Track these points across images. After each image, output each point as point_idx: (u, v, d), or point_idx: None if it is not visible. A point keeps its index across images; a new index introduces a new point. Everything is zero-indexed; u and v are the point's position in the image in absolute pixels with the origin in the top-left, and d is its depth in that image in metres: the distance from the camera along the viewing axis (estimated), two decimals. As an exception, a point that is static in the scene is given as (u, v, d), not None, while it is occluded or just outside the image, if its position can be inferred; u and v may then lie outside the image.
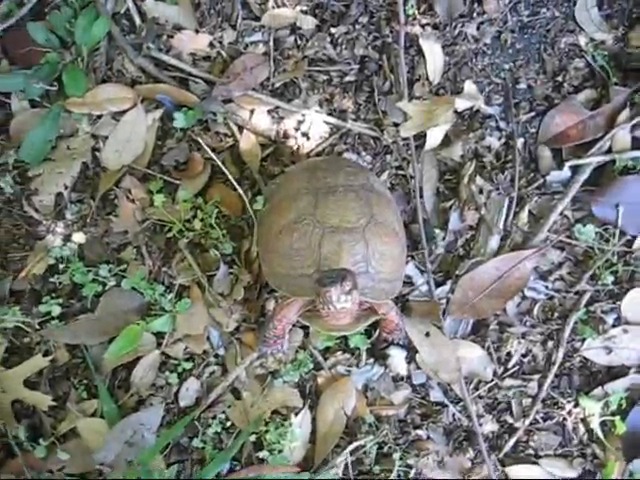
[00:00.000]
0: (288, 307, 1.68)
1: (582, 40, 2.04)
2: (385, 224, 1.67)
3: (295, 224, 1.65)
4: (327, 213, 1.65)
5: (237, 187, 1.88)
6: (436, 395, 1.83)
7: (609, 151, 1.94)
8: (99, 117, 2.00)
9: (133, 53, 2.01)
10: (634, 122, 1.94)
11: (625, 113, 1.95)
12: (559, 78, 2.02)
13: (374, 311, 1.70)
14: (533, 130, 2.00)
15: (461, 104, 1.95)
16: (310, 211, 1.66)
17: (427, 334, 1.81)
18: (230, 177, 1.88)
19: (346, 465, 1.76)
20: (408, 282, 1.88)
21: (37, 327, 1.85)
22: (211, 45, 2.04)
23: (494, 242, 1.89)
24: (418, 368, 1.83)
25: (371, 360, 1.84)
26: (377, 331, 1.83)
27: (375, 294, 1.64)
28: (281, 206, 1.71)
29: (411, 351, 1.82)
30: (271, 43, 2.04)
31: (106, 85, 2.00)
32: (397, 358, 1.82)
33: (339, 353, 1.83)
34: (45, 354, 1.83)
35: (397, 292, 1.71)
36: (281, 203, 1.72)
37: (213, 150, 1.97)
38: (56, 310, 1.85)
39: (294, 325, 1.82)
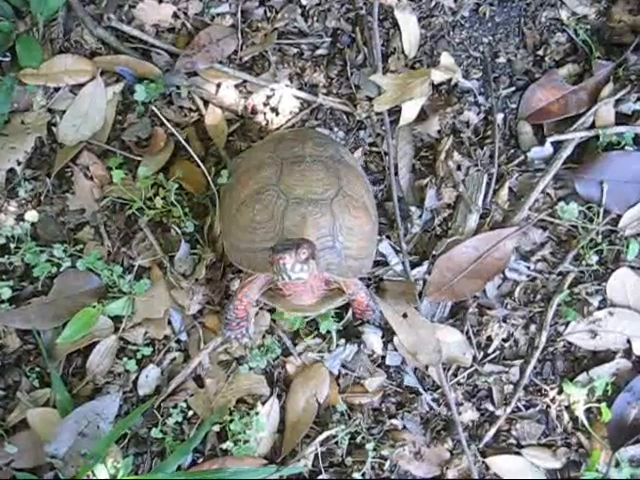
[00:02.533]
0: (249, 285, 1.55)
1: (564, 14, 1.95)
2: (354, 198, 1.56)
3: (258, 195, 1.54)
4: (292, 183, 1.53)
5: (200, 163, 1.76)
6: (412, 381, 1.71)
7: (592, 126, 1.85)
8: (56, 90, 1.88)
9: (92, 23, 1.89)
10: (618, 96, 1.85)
11: (608, 87, 1.86)
12: (540, 52, 1.92)
13: (341, 292, 1.58)
14: (513, 105, 1.89)
15: (438, 76, 1.83)
16: (274, 181, 1.54)
17: (404, 315, 1.69)
18: (192, 153, 1.76)
19: (316, 456, 1.63)
20: (383, 262, 1.76)
21: (-15, 311, 1.71)
22: (175, 16, 1.92)
23: (473, 221, 1.77)
24: (394, 350, 1.70)
25: (342, 341, 1.71)
26: (349, 312, 1.70)
27: (341, 270, 1.51)
28: (244, 177, 1.60)
29: (387, 332, 1.70)
30: (239, 15, 1.92)
31: (63, 56, 1.88)
32: (372, 336, 1.70)
33: (309, 338, 1.70)
34: (-6, 340, 1.70)
35: (366, 271, 1.59)
36: (244, 174, 1.61)
37: (177, 125, 1.86)
38: (6, 293, 1.71)
39: (261, 308, 1.70)
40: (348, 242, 1.52)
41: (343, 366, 1.70)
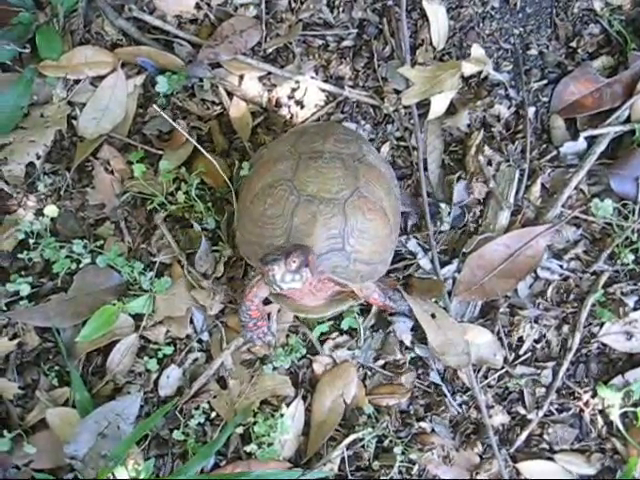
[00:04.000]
0: (259, 284, 1.49)
1: (597, 4, 1.87)
2: (371, 199, 1.48)
3: (270, 189, 1.48)
4: (306, 180, 1.46)
5: (211, 160, 1.68)
6: (438, 380, 1.64)
7: (628, 121, 1.77)
8: (76, 82, 1.83)
9: (113, 14, 1.83)
10: (654, 89, 1.76)
11: (645, 80, 1.77)
12: (573, 44, 1.84)
13: (353, 295, 1.52)
14: (545, 99, 1.82)
15: (468, 69, 1.76)
16: (288, 176, 1.48)
17: (433, 315, 1.62)
18: (196, 149, 1.69)
19: (342, 460, 1.57)
20: (410, 259, 1.69)
21: (4, 308, 1.66)
22: (198, 7, 1.86)
23: (504, 218, 1.70)
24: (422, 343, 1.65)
25: (369, 333, 1.65)
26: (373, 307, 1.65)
27: (348, 275, 1.45)
28: (262, 169, 1.54)
29: (419, 328, 1.64)
30: (263, 5, 1.86)
31: (84, 48, 1.82)
32: (402, 325, 1.64)
33: (335, 334, 1.64)
34: (13, 337, 1.65)
35: (377, 277, 1.52)
36: (262, 166, 1.55)
37: (199, 118, 1.80)
38: (25, 289, 1.66)
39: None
40: (359, 245, 1.46)
41: (374, 359, 1.64)
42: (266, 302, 1.60)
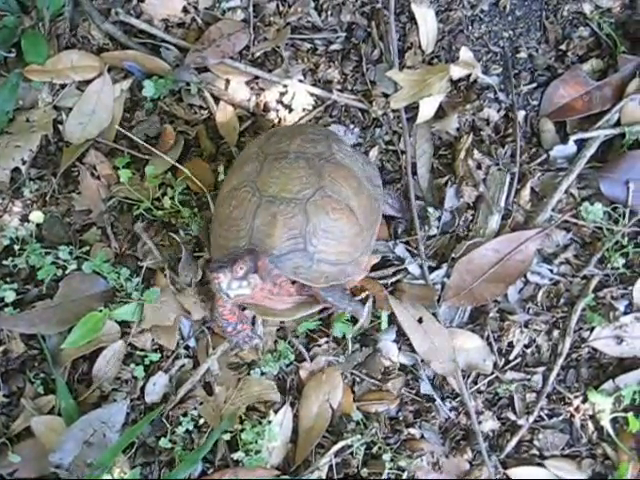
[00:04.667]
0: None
1: (587, 7, 1.85)
2: (335, 198, 1.46)
3: (235, 191, 1.47)
4: (269, 181, 1.45)
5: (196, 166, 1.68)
6: (429, 389, 1.62)
7: (618, 124, 1.75)
8: (62, 87, 1.81)
9: (100, 18, 1.82)
10: (644, 92, 1.75)
11: (635, 83, 1.76)
12: (562, 47, 1.83)
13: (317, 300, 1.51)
14: (535, 102, 1.80)
15: (457, 72, 1.75)
16: (252, 177, 1.47)
17: (420, 320, 1.61)
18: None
19: (330, 467, 1.55)
20: (399, 265, 1.67)
21: (-11, 315, 1.63)
22: (185, 10, 1.85)
23: (494, 222, 1.68)
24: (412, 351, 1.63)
25: (357, 346, 1.63)
26: (363, 317, 1.60)
27: (311, 275, 1.43)
28: (231, 172, 1.55)
29: (402, 338, 1.62)
30: (251, 9, 1.84)
31: (70, 52, 1.81)
32: (388, 343, 1.62)
33: (323, 341, 1.62)
34: (-3, 345, 1.63)
35: (345, 279, 1.49)
36: (232, 169, 1.56)
37: (186, 123, 1.79)
38: (10, 296, 1.64)
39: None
40: (323, 246, 1.44)
41: (358, 371, 1.62)
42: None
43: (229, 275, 1.31)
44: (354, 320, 1.61)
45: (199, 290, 1.62)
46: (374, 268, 1.65)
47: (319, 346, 1.62)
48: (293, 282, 1.48)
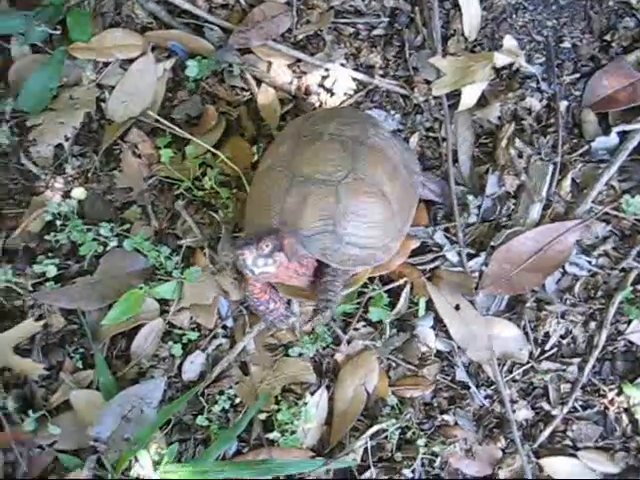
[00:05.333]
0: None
1: (632, -3, 1.82)
2: (368, 182, 1.44)
3: (269, 171, 1.47)
4: (302, 161, 1.44)
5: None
6: (464, 376, 1.61)
7: (661, 116, 1.72)
8: (105, 65, 1.81)
9: (144, -3, 1.81)
10: (690, 85, 1.72)
11: (680, 76, 1.73)
12: (607, 37, 1.79)
13: (353, 280, 1.51)
14: (577, 93, 1.77)
15: (501, 60, 1.72)
16: (286, 158, 1.46)
17: (457, 307, 1.60)
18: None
19: (365, 450, 1.54)
20: (437, 251, 1.66)
21: (30, 289, 1.64)
22: (229, -9, 1.83)
23: (535, 212, 1.66)
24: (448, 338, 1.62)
25: (395, 331, 1.62)
26: (401, 301, 1.62)
27: (337, 257, 1.42)
28: (267, 152, 1.55)
29: (440, 325, 1.62)
30: (294, -9, 1.82)
31: (114, 30, 1.80)
32: (425, 329, 1.61)
33: (360, 325, 1.62)
34: (38, 318, 1.63)
35: (375, 263, 1.48)
36: (267, 150, 1.55)
37: (228, 104, 1.78)
38: (52, 271, 1.64)
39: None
40: (353, 228, 1.43)
41: (394, 356, 1.62)
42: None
43: (254, 252, 1.31)
44: (392, 305, 1.61)
45: (237, 270, 1.62)
46: (412, 254, 1.64)
47: (356, 330, 1.62)
48: (320, 263, 1.48)
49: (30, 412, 1.54)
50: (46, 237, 1.67)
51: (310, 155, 1.44)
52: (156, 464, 1.51)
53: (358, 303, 1.62)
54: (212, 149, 1.66)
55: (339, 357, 1.61)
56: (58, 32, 1.78)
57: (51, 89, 1.75)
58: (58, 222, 1.67)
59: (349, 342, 1.61)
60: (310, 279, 1.48)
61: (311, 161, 1.44)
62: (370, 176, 1.45)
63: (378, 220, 1.45)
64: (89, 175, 1.74)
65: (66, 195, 1.71)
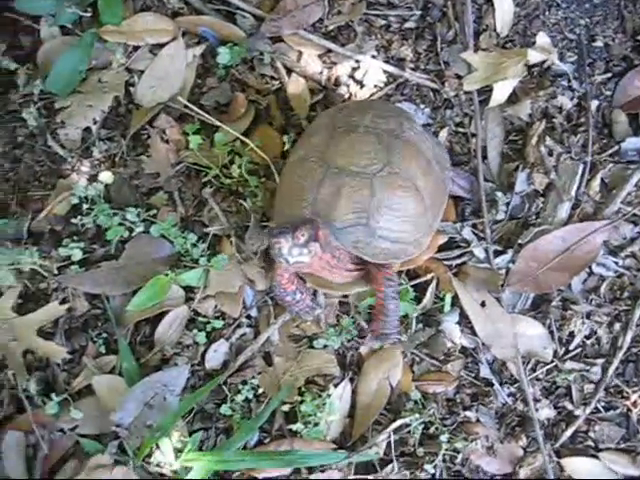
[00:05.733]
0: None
1: (667, -2, 1.80)
2: (402, 176, 1.43)
3: (302, 161, 1.46)
4: (337, 153, 1.43)
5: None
6: (488, 373, 1.60)
7: (692, 119, 1.70)
8: (135, 49, 1.78)
9: (175, -18, 1.79)
10: None
11: None
12: (640, 38, 1.78)
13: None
14: (608, 92, 1.76)
15: (534, 57, 1.71)
16: (320, 148, 1.45)
17: (482, 304, 1.59)
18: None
19: (388, 444, 1.53)
20: (465, 247, 1.65)
21: (55, 272, 1.62)
22: (260, -21, 1.81)
23: (564, 211, 1.65)
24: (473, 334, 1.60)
25: (420, 325, 1.61)
26: (427, 295, 1.61)
27: (370, 251, 1.41)
28: (299, 142, 1.54)
29: (465, 321, 1.60)
30: (326, -19, 1.80)
31: (145, 14, 1.78)
32: (451, 325, 1.60)
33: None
34: (62, 302, 1.62)
35: (406, 257, 1.47)
36: (299, 140, 1.54)
37: (257, 92, 1.76)
38: (77, 254, 1.62)
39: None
40: (386, 222, 1.41)
41: (419, 351, 1.60)
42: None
43: (290, 241, 1.29)
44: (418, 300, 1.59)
45: (264, 259, 1.61)
46: (439, 249, 1.62)
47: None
48: (352, 256, 1.46)
49: (53, 395, 1.53)
50: (72, 220, 1.65)
51: (345, 147, 1.43)
52: (177, 452, 1.50)
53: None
54: (242, 137, 1.64)
55: (363, 350, 1.60)
56: (88, 14, 1.75)
57: (80, 71, 1.73)
58: (84, 206, 1.65)
59: (373, 336, 1.60)
60: (341, 272, 1.46)
61: (346, 153, 1.42)
62: (404, 170, 1.44)
63: (411, 215, 1.44)
64: (116, 159, 1.72)
65: (92, 179, 1.69)
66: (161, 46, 1.77)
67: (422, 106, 1.75)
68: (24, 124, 1.75)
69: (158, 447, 1.50)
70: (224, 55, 1.71)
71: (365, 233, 1.40)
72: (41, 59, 1.77)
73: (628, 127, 1.73)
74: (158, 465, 1.50)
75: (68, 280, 1.62)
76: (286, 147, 1.66)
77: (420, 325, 1.61)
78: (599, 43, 1.79)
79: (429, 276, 1.61)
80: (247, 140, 1.64)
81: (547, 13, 1.81)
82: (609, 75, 1.77)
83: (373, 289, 1.51)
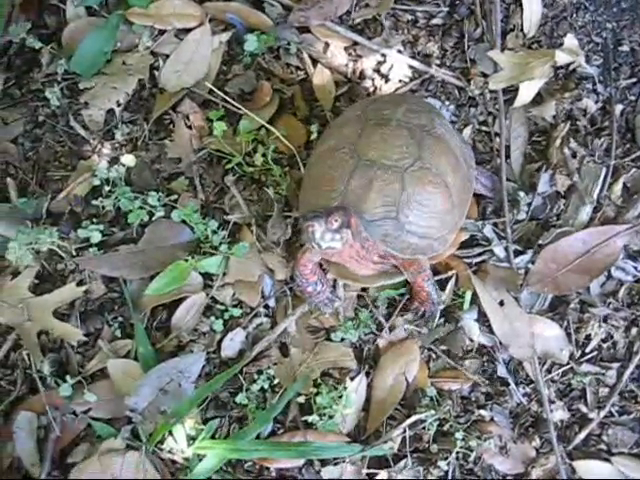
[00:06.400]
0: (310, 249, 1.43)
1: (694, 5, 1.79)
2: (433, 172, 1.42)
3: (333, 151, 1.44)
4: (368, 145, 1.42)
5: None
6: (504, 373, 1.59)
7: None
8: (161, 33, 1.76)
9: (204, -32, 1.76)
10: None
11: None
12: (666, 44, 1.77)
13: (400, 270, 1.47)
14: (632, 97, 1.75)
15: (562, 58, 1.69)
16: (352, 140, 1.43)
17: (501, 303, 1.57)
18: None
19: (402, 439, 1.51)
20: (485, 245, 1.63)
21: (73, 253, 1.60)
22: (289, -32, 1.79)
23: (585, 213, 1.64)
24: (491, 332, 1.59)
25: (441, 320, 1.59)
26: (446, 290, 1.59)
27: (398, 245, 1.40)
28: (328, 132, 1.52)
29: (484, 319, 1.58)
30: (355, -26, 1.78)
31: (173, -2, 1.75)
32: (471, 322, 1.58)
33: (405, 313, 1.59)
34: (79, 284, 1.59)
35: (431, 253, 1.46)
36: (330, 129, 1.52)
37: (282, 82, 1.74)
38: (96, 237, 1.60)
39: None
40: (414, 217, 1.40)
41: (437, 347, 1.59)
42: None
43: (324, 225, 1.28)
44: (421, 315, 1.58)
45: (286, 249, 1.59)
46: (460, 246, 1.61)
47: (402, 315, 1.58)
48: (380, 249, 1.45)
49: (67, 377, 1.51)
50: (92, 202, 1.62)
51: (377, 139, 1.42)
52: (190, 439, 1.49)
53: (402, 294, 1.59)
54: (267, 125, 1.62)
55: (381, 344, 1.58)
56: (116, -4, 1.74)
57: (105, 53, 1.71)
58: (105, 188, 1.63)
59: (391, 330, 1.58)
60: (367, 265, 1.45)
61: (378, 146, 1.41)
62: (435, 166, 1.43)
63: (439, 211, 1.43)
64: (138, 143, 1.70)
65: (113, 161, 1.67)
66: (187, 31, 1.75)
67: (447, 103, 1.74)
68: (46, 103, 1.73)
69: (171, 433, 1.48)
70: (251, 42, 1.69)
71: (394, 227, 1.39)
72: (66, 39, 1.75)
73: (651, 133, 1.72)
74: (170, 452, 1.49)
75: (86, 262, 1.59)
76: (312, 137, 1.64)
77: (440, 321, 1.59)
78: (625, 47, 1.78)
79: (449, 273, 1.60)
80: (273, 129, 1.62)
81: (575, 15, 1.80)
82: (634, 80, 1.76)
83: (410, 280, 1.50)
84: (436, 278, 1.59)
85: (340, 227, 1.29)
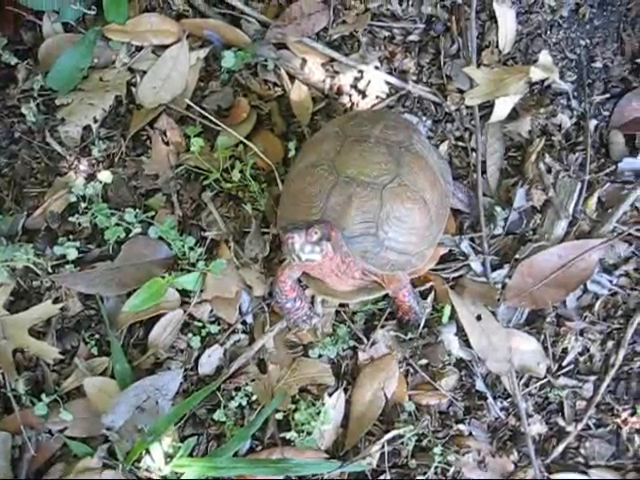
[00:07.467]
0: (291, 265, 1.42)
1: (665, 23, 1.81)
2: (412, 188, 1.42)
3: (312, 168, 1.44)
4: (348, 162, 1.42)
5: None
6: (482, 387, 1.58)
7: (688, 142, 1.71)
8: (138, 49, 1.75)
9: (181, -16, 1.76)
10: None
11: None
12: (638, 60, 1.78)
13: (380, 285, 1.46)
14: (606, 113, 1.76)
15: (537, 75, 1.69)
16: (330, 156, 1.43)
17: (478, 317, 1.57)
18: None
19: (381, 455, 1.50)
20: (462, 260, 1.63)
21: (49, 271, 1.58)
22: (266, -15, 1.79)
23: (561, 228, 1.64)
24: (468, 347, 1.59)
25: (420, 333, 1.59)
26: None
27: (377, 261, 1.40)
28: (307, 148, 1.52)
29: (461, 333, 1.58)
30: (332, -9, 1.78)
31: (150, 15, 1.75)
32: (450, 336, 1.57)
33: (385, 329, 1.58)
34: (55, 301, 1.58)
35: (410, 269, 1.46)
36: (308, 145, 1.52)
37: (260, 98, 1.73)
38: (72, 254, 1.58)
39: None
40: (394, 233, 1.40)
41: (415, 361, 1.58)
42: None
43: (303, 237, 1.27)
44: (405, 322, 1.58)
45: (263, 265, 1.58)
46: (438, 261, 1.61)
47: (382, 327, 1.58)
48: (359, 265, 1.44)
49: (43, 396, 1.48)
50: (69, 219, 1.61)
51: (356, 156, 1.42)
52: (168, 457, 1.47)
53: (380, 309, 1.59)
54: (245, 141, 1.62)
55: (359, 359, 1.57)
56: (93, 12, 1.72)
57: (82, 69, 1.70)
58: (82, 204, 1.61)
59: (371, 345, 1.57)
60: (347, 280, 1.44)
61: (357, 162, 1.41)
62: (413, 183, 1.43)
63: (418, 227, 1.43)
64: (115, 159, 1.69)
65: (90, 178, 1.66)
66: (165, 47, 1.74)
67: (423, 118, 1.74)
68: (22, 119, 1.72)
69: (148, 452, 1.46)
70: (229, 59, 1.69)
71: (373, 243, 1.38)
72: (42, 55, 1.74)
73: (625, 147, 1.72)
74: (147, 470, 1.47)
75: (62, 279, 1.57)
76: (290, 153, 1.63)
77: (423, 331, 1.58)
78: (598, 64, 1.79)
79: (428, 285, 1.59)
80: (251, 144, 1.61)
81: (549, 32, 1.80)
82: (607, 96, 1.77)
83: (391, 295, 1.51)
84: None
85: (320, 239, 1.29)
